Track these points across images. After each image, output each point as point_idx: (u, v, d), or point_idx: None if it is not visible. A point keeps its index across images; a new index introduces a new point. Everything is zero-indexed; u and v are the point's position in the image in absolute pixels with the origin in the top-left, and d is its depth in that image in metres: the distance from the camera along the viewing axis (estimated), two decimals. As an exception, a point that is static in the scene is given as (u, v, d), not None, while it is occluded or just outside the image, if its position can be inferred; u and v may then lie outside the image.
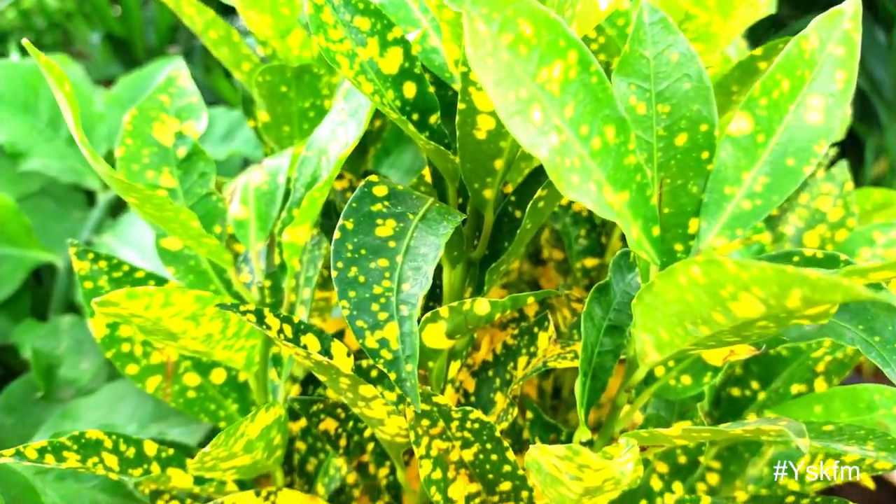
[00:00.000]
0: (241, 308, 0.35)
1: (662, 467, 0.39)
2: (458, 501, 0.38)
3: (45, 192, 0.82)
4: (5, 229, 0.73)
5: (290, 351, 0.35)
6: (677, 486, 0.38)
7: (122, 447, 0.43)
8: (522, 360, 0.42)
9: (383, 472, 0.44)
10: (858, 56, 0.34)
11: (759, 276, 0.23)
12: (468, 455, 0.38)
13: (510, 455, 0.37)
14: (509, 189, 0.44)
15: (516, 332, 0.42)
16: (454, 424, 0.37)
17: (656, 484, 0.38)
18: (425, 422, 0.36)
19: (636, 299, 0.31)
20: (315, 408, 0.42)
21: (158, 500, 0.49)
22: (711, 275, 0.25)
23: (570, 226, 0.53)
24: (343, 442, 0.43)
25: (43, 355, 0.68)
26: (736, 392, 0.46)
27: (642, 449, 0.34)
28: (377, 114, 0.55)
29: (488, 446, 0.37)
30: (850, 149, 1.26)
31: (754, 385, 0.45)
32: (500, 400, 0.42)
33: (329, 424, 0.43)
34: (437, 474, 0.37)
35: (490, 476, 0.38)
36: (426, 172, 0.48)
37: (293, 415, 0.49)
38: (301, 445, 0.50)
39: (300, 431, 0.49)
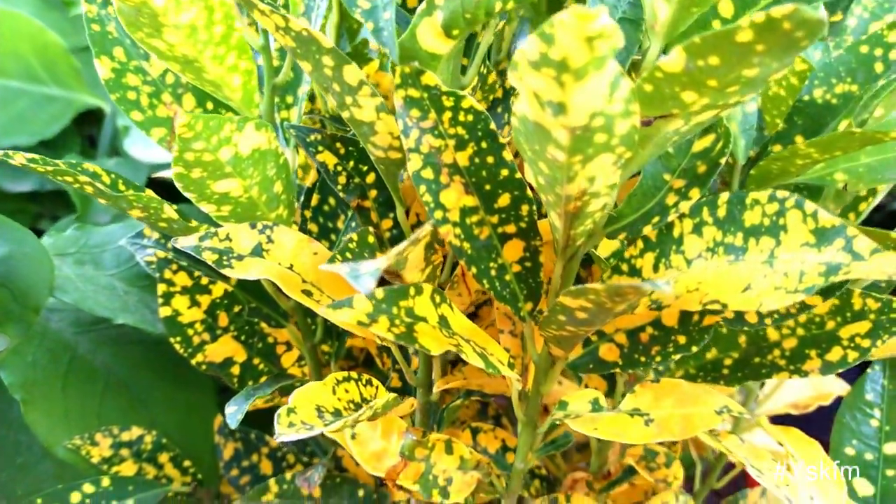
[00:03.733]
0: (221, -20, 0.33)
1: (679, 183, 0.35)
2: (451, 210, 0.35)
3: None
4: (55, 70, 0.74)
5: (269, 23, 0.33)
6: (695, 192, 0.34)
7: (122, 188, 0.42)
8: (533, 88, 0.38)
9: (387, 223, 0.42)
10: None
11: None
12: (463, 159, 0.35)
13: (507, 155, 0.34)
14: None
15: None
16: (446, 116, 0.34)
17: (671, 199, 0.34)
18: (415, 112, 0.34)
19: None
20: (313, 137, 0.40)
21: (166, 270, 0.48)
22: None
23: None
24: (342, 180, 0.41)
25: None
26: (777, 149, 0.41)
27: (647, 122, 0.30)
28: None
29: (483, 145, 0.34)
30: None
31: (798, 139, 0.41)
32: (505, 131, 0.39)
33: (327, 158, 0.40)
34: (428, 173, 0.34)
35: (487, 187, 0.35)
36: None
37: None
38: (313, 227, 0.48)
39: (312, 212, 0.48)
